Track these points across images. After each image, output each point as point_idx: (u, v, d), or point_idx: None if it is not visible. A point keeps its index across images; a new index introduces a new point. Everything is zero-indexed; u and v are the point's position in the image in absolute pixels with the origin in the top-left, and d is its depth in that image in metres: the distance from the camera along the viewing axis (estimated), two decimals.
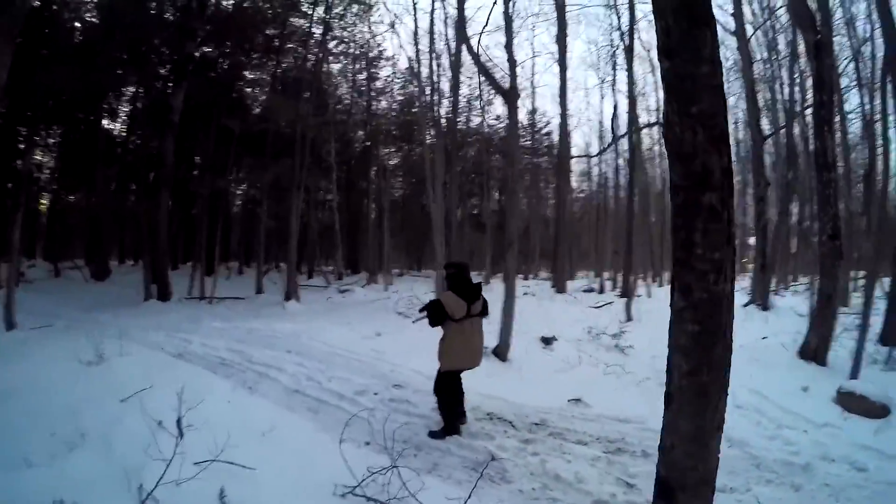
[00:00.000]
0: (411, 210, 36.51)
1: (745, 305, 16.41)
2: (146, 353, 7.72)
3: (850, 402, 6.81)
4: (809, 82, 19.36)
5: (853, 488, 4.87)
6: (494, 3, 18.07)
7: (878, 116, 17.61)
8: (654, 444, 5.49)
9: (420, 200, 35.60)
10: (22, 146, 22.24)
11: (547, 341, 10.37)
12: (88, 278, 21.60)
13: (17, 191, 11.52)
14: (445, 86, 18.72)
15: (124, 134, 26.11)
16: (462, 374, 6.18)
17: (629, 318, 14.37)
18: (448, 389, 5.96)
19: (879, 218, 15.63)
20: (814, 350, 8.94)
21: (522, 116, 34.93)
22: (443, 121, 17.54)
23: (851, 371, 7.66)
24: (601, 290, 24.30)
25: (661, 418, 6.22)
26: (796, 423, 6.44)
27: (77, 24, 19.96)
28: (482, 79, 25.17)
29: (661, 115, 23.85)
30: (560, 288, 21.78)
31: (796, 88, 20.12)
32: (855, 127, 21.78)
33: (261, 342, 10.00)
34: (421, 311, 6.36)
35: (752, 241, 45.38)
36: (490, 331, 10.43)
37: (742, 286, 28.23)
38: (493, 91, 33.75)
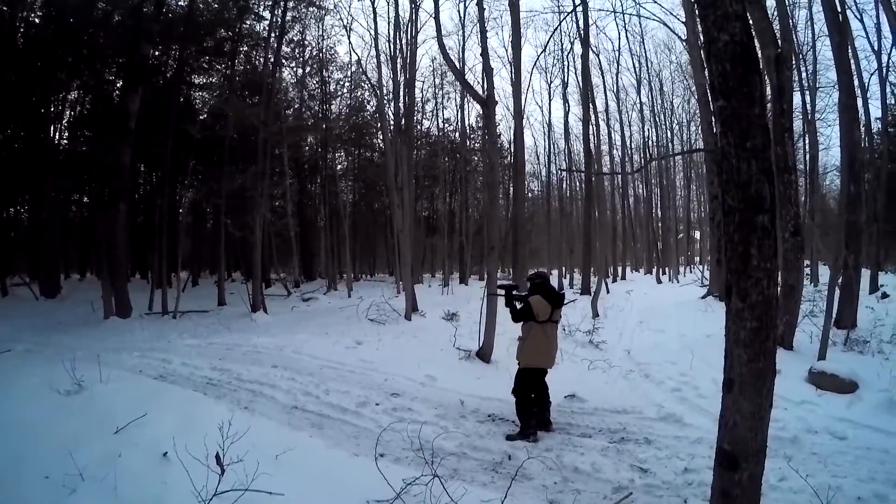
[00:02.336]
0: (361, 215, 36.37)
1: (703, 297, 16.92)
2: (127, 378, 7.33)
3: (822, 381, 7.30)
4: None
5: (837, 455, 5.26)
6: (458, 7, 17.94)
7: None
8: (654, 432, 5.90)
9: (371, 206, 35.62)
10: None
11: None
12: (38, 296, 20.66)
13: None
14: (400, 90, 18.53)
15: (66, 142, 25.16)
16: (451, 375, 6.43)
17: (596, 315, 14.64)
18: (531, 387, 6.31)
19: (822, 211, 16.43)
20: (781, 336, 9.32)
21: (472, 120, 35.40)
22: (402, 122, 17.38)
23: (819, 353, 8.03)
24: (560, 288, 24.48)
25: (654, 406, 6.42)
26: (777, 402, 6.52)
27: (19, 25, 19.24)
28: (461, 87, 25.38)
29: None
30: (521, 288, 21.87)
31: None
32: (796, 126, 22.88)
33: (244, 359, 9.79)
34: (500, 287, 7.16)
35: (697, 234, 47.17)
36: (465, 334, 10.60)
37: (693, 279, 29.34)
38: (448, 95, 34.66)
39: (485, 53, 10.48)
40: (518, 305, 6.54)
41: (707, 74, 3.10)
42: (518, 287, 6.87)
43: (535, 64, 26.61)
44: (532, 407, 6.21)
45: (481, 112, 35.45)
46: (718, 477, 3.10)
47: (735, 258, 2.88)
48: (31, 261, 23.62)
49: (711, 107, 3.45)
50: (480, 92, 10.34)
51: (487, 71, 10.11)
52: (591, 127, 22.54)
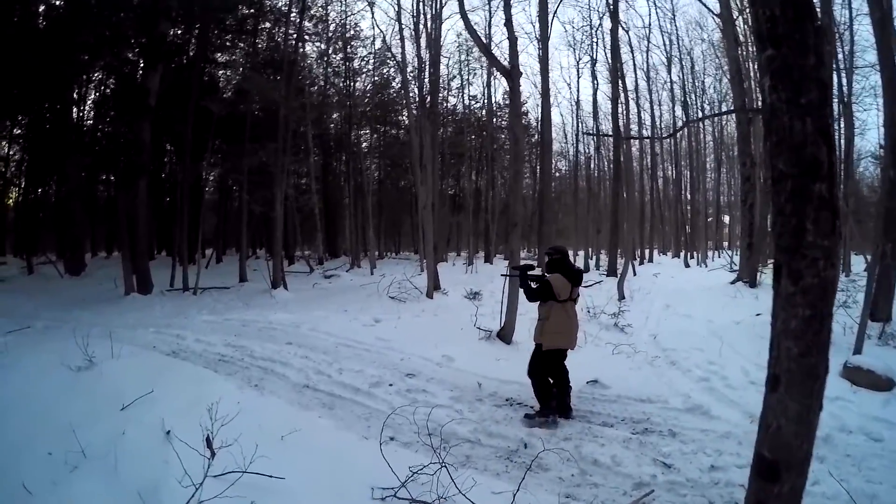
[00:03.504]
0: (388, 193, 36.29)
1: (733, 283, 16.43)
2: (139, 354, 7.24)
3: (858, 377, 6.82)
4: None
5: (873, 458, 4.86)
6: None
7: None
8: (679, 424, 5.52)
9: (397, 183, 35.49)
10: None
11: None
12: (63, 273, 20.93)
13: None
14: (425, 66, 18.15)
15: (90, 122, 25.35)
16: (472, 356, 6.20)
17: (622, 297, 14.25)
18: (549, 369, 6.01)
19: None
20: None
21: (499, 96, 34.91)
22: (427, 98, 17.01)
23: (855, 346, 7.57)
24: (586, 269, 24.19)
25: (680, 396, 6.07)
26: None
27: (41, 8, 19.21)
28: (484, 58, 24.93)
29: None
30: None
31: None
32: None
33: (259, 335, 9.66)
34: (514, 269, 6.86)
35: (726, 218, 46.23)
36: (486, 313, 10.30)
37: (721, 263, 28.71)
38: (474, 71, 34.21)
39: (509, 23, 10.04)
40: (534, 285, 6.21)
41: (754, 22, 2.67)
42: (534, 267, 6.47)
43: (564, 40, 25.92)
44: (551, 388, 5.94)
45: (506, 84, 35.13)
46: (754, 487, 2.67)
47: (786, 233, 2.46)
48: (59, 239, 23.76)
49: (755, 67, 2.99)
50: (505, 63, 9.87)
51: (512, 41, 9.63)
52: (619, 105, 22.00)
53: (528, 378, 6.05)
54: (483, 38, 21.71)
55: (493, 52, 10.73)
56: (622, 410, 6.04)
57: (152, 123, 16.87)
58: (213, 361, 7.72)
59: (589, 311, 10.92)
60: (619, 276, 17.17)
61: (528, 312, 9.96)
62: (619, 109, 22.15)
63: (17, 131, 25.28)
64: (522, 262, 6.68)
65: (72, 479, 3.80)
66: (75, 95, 22.96)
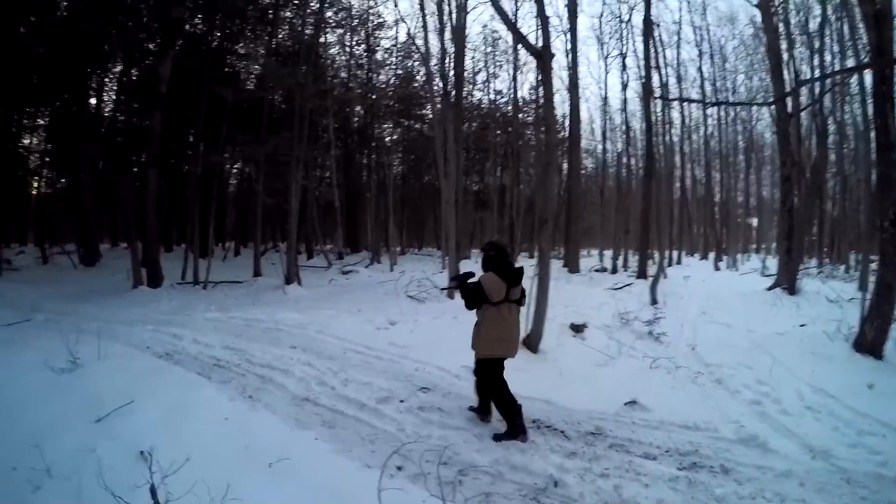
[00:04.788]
0: (410, 188, 35.96)
1: (770, 289, 15.46)
2: (128, 356, 6.69)
3: None
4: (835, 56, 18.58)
5: None
6: None
7: None
8: (732, 458, 4.83)
9: (420, 178, 35.11)
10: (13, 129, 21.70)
11: (577, 329, 9.34)
12: (77, 264, 20.84)
13: None
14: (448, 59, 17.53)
15: (108, 112, 25.29)
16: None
17: (654, 302, 13.33)
18: (496, 379, 5.37)
19: None
20: (871, 342, 8.08)
21: (525, 91, 34.20)
22: (451, 91, 16.31)
23: None
24: (613, 270, 23.43)
25: (731, 423, 5.21)
26: (873, 427, 5.49)
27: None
28: (513, 39, 24.38)
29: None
30: (573, 268, 20.83)
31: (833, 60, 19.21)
32: None
33: (262, 337, 8.95)
34: (453, 280, 6.09)
35: (754, 222, 44.93)
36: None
37: (752, 267, 27.64)
38: (500, 64, 33.49)
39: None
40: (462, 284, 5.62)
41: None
42: (474, 274, 5.70)
43: (592, 34, 25.19)
44: (514, 402, 5.24)
45: (532, 80, 34.43)
46: None
47: None
48: (76, 230, 23.61)
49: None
50: (535, 45, 9.03)
51: (543, 18, 8.67)
52: (651, 101, 21.14)
53: (553, 395, 5.58)
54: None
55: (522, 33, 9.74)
56: (666, 439, 5.18)
57: (168, 112, 16.55)
58: (208, 366, 7.00)
59: (622, 319, 10.07)
60: (648, 278, 16.49)
61: (556, 318, 9.21)
62: (651, 105, 21.31)
63: (38, 122, 25.50)
64: (463, 272, 5.88)
65: (31, 501, 3.57)
66: (93, 85, 22.87)
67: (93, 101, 23.19)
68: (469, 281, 5.60)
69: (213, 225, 17.84)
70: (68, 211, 25.66)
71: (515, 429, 5.10)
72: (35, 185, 29.30)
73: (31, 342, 7.25)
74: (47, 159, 27.62)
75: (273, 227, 31.61)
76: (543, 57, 8.32)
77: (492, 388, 5.36)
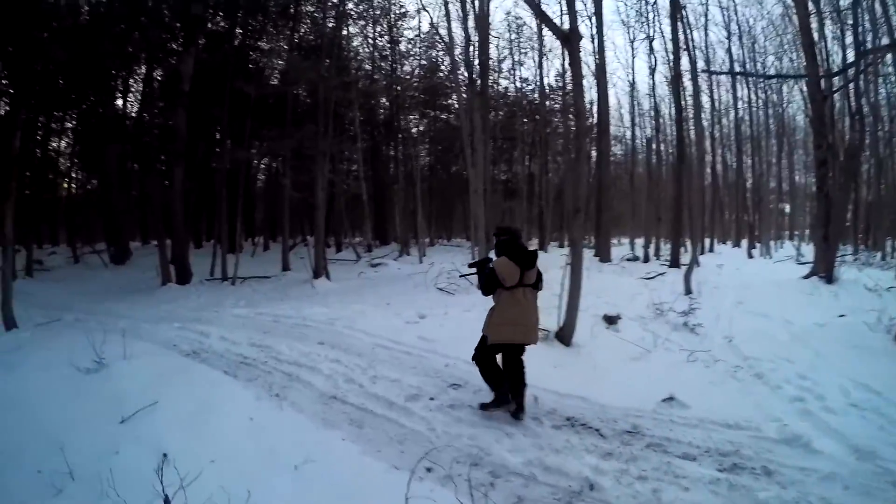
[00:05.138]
0: (438, 178, 35.77)
1: (806, 277, 14.93)
2: (153, 355, 6.60)
3: None
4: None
5: None
6: None
7: None
8: (774, 459, 4.57)
9: (448, 169, 34.93)
10: (39, 132, 22.08)
11: (611, 320, 9.07)
12: (108, 262, 21.11)
13: (7, 176, 10.62)
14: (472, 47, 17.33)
15: (134, 113, 25.79)
16: (527, 360, 5.48)
17: (688, 291, 12.93)
18: (490, 359, 5.45)
19: None
20: None
21: (552, 78, 33.80)
22: (477, 80, 16.06)
23: None
24: (645, 259, 23.00)
25: (773, 422, 4.93)
26: None
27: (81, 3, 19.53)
28: (538, 22, 24.18)
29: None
30: (604, 257, 20.46)
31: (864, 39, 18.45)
32: None
33: (289, 333, 8.83)
34: (470, 266, 6.05)
35: (786, 208, 43.89)
36: (542, 308, 9.18)
37: (786, 254, 26.91)
38: (525, 51, 33.12)
39: None
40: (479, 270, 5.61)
41: None
42: (491, 260, 5.57)
43: (617, 18, 24.74)
44: (500, 369, 5.39)
45: (558, 66, 34.05)
46: None
47: None
48: (106, 229, 23.98)
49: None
50: (562, 27, 8.70)
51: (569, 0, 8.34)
52: (680, 85, 20.63)
53: (588, 391, 5.45)
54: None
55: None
56: (706, 438, 4.93)
57: (193, 110, 16.59)
58: (234, 364, 6.91)
59: (657, 309, 9.76)
60: (682, 267, 16.11)
61: (590, 308, 8.93)
62: (680, 89, 20.80)
63: (66, 125, 25.94)
64: (481, 257, 5.73)
65: None
66: (119, 86, 23.16)
67: (118, 101, 23.62)
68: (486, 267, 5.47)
69: (240, 220, 17.89)
70: (98, 211, 26.10)
71: (503, 396, 5.20)
72: (65, 186, 29.86)
73: (57, 342, 7.20)
74: (76, 161, 28.13)
75: (301, 222, 31.67)
76: (571, 39, 8.02)
77: (483, 360, 5.39)
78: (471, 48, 16.49)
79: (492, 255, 5.68)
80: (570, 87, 31.45)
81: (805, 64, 17.29)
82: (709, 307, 10.67)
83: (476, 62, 16.82)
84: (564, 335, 7.83)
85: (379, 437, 4.78)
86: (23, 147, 18.84)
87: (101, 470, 3.62)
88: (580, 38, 8.43)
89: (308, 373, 6.49)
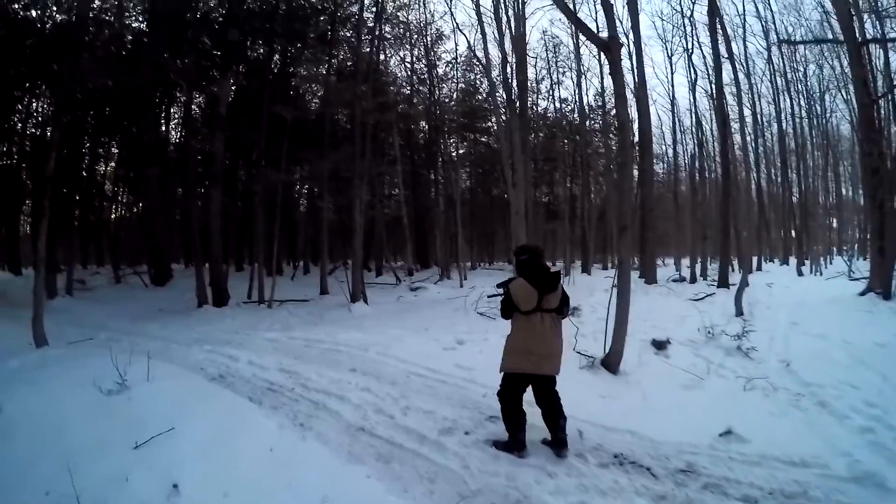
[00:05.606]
0: (479, 202, 35.73)
1: (862, 294, 14.10)
2: (178, 378, 6.31)
3: None
4: None
5: None
6: None
7: None
8: (845, 500, 4.04)
9: (488, 191, 34.96)
10: (86, 157, 22.79)
11: (660, 345, 8.56)
12: (148, 284, 21.41)
13: (40, 197, 10.81)
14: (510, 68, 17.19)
15: (176, 138, 26.48)
16: (558, 389, 5.00)
17: (740, 313, 12.29)
18: (511, 398, 4.93)
19: None
20: None
21: (591, 98, 33.55)
22: (515, 102, 15.81)
23: None
24: (692, 280, 22.27)
25: (842, 457, 4.38)
26: None
27: (125, 33, 20.34)
28: (574, 41, 24.17)
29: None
30: (649, 278, 19.82)
31: None
32: None
33: (320, 358, 8.49)
34: (498, 286, 5.45)
35: (833, 222, 42.43)
36: (587, 333, 8.71)
37: (837, 270, 25.74)
38: (563, 70, 32.86)
39: None
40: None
41: None
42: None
43: (653, 34, 24.30)
44: (520, 417, 4.87)
45: (597, 84, 33.66)
46: None
47: None
48: (150, 251, 24.47)
49: None
50: (601, 35, 8.30)
51: (606, 7, 7.95)
52: (724, 96, 20.01)
53: (637, 424, 5.06)
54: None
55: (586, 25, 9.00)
56: (769, 478, 4.41)
57: (231, 134, 16.77)
58: (260, 390, 6.60)
59: (709, 333, 9.21)
60: (730, 287, 15.68)
61: (636, 333, 8.40)
62: (724, 101, 20.16)
63: (112, 150, 26.80)
64: (509, 277, 5.28)
65: None
66: (161, 111, 23.73)
67: (160, 126, 24.28)
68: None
69: (276, 243, 17.78)
70: (142, 233, 26.63)
71: (515, 443, 4.79)
72: (112, 210, 30.66)
73: (84, 361, 6.98)
74: (121, 186, 28.94)
75: (343, 245, 31.86)
76: (611, 48, 7.59)
77: (503, 397, 4.98)
78: (508, 68, 16.24)
79: None
80: (609, 105, 31.24)
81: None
82: (762, 329, 10.06)
83: (514, 82, 16.60)
84: (611, 362, 7.34)
85: (407, 475, 4.39)
86: (70, 171, 19.39)
87: (109, 496, 3.58)
88: (620, 45, 8.00)
89: (336, 402, 6.11)
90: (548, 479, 4.32)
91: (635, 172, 26.80)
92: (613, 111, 32.10)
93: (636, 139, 24.31)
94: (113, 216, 33.22)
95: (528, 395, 5.02)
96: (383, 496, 3.96)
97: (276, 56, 21.17)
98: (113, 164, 29.00)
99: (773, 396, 6.32)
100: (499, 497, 3.97)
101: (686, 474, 4.49)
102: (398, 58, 30.16)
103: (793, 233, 33.99)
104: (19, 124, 24.17)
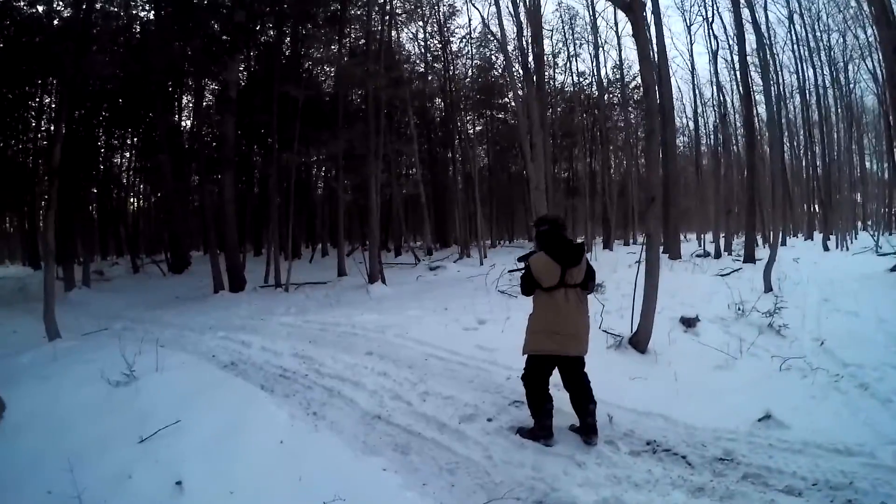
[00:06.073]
0: (497, 179, 35.65)
1: (893, 270, 13.60)
2: (189, 366, 6.14)
3: None
4: None
5: None
6: None
7: None
8: (895, 494, 3.61)
9: (507, 168, 34.79)
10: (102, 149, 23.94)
11: (689, 323, 8.17)
12: (166, 272, 21.52)
13: (49, 188, 10.70)
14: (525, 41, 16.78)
15: (188, 125, 26.99)
16: (587, 371, 4.68)
17: (769, 289, 11.82)
18: (536, 382, 4.59)
19: None
20: None
21: (609, 70, 33.06)
22: (532, 75, 15.41)
23: None
24: (717, 255, 21.80)
25: (889, 445, 4.03)
26: None
27: (132, 24, 20.73)
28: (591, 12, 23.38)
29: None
30: (674, 254, 19.37)
31: None
32: None
33: (336, 342, 8.21)
34: (520, 260, 5.03)
35: (858, 196, 41.52)
36: (612, 310, 8.35)
37: (863, 245, 25.06)
38: (580, 41, 32.25)
39: None
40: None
41: None
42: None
43: (672, 4, 23.64)
44: (546, 402, 4.51)
45: (615, 57, 33.09)
46: None
47: None
48: (169, 239, 24.66)
49: None
50: None
51: None
52: (747, 65, 19.52)
53: (670, 408, 4.75)
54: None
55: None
56: (812, 468, 4.06)
57: (245, 118, 16.69)
58: (272, 377, 6.37)
59: (739, 310, 8.80)
60: (756, 262, 15.54)
61: (663, 310, 7.99)
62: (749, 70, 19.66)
63: (127, 141, 27.11)
64: (532, 250, 4.89)
65: None
66: (174, 98, 23.82)
67: (173, 114, 24.45)
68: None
69: (290, 225, 17.62)
70: (161, 222, 26.75)
71: (541, 430, 4.45)
72: (130, 200, 31.01)
73: (96, 353, 6.78)
74: (138, 176, 29.27)
75: (361, 227, 31.82)
76: (633, 7, 7.12)
77: (528, 381, 4.63)
78: (524, 40, 15.81)
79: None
80: (628, 77, 30.61)
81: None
82: (793, 306, 9.58)
83: (530, 53, 16.18)
84: (639, 341, 6.97)
85: (426, 467, 4.13)
86: (86, 163, 19.39)
87: (111, 495, 3.47)
88: (643, 4, 7.57)
89: (351, 388, 5.85)
90: (577, 470, 4.02)
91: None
92: (632, 84, 31.70)
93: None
94: (131, 207, 33.45)
95: (556, 378, 4.73)
96: (400, 491, 3.70)
97: (287, 39, 20.89)
98: (128, 154, 29.31)
99: (812, 378, 5.89)
100: (524, 490, 3.70)
101: (724, 463, 4.17)
102: (410, 33, 30.07)
103: (817, 207, 33.19)
104: (33, 121, 24.49)
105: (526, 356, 4.69)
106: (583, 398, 4.51)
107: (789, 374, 6.11)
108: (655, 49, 17.07)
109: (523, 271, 4.70)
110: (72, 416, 4.57)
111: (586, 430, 4.45)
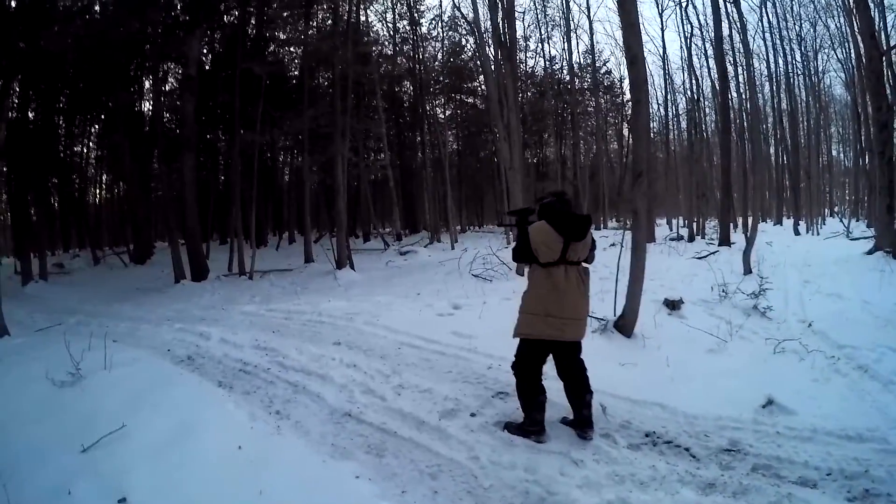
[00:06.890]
0: (466, 163, 35.86)
1: (870, 253, 13.54)
2: (141, 363, 5.63)
3: None
4: None
5: None
6: None
7: None
8: None
9: (476, 153, 34.92)
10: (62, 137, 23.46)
11: (673, 305, 7.86)
12: (128, 263, 21.33)
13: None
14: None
15: (148, 107, 25.86)
16: (583, 357, 4.23)
17: (748, 271, 11.60)
18: (529, 371, 4.09)
19: None
20: None
21: (580, 55, 33.21)
22: (503, 39, 15.04)
23: None
24: (690, 238, 21.81)
25: None
26: None
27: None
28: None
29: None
30: (648, 237, 19.21)
31: None
32: None
33: (301, 332, 7.67)
34: (510, 214, 4.63)
35: (846, 181, 42.66)
36: (593, 293, 7.91)
37: (833, 230, 25.42)
38: (552, 22, 32.15)
39: None
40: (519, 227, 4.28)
41: None
42: (534, 212, 4.28)
43: None
44: (539, 394, 4.04)
45: (587, 40, 32.86)
46: None
47: None
48: (133, 230, 24.07)
49: None
50: None
51: None
52: (723, 47, 19.39)
53: (666, 395, 4.40)
54: None
55: None
56: (824, 455, 3.75)
57: (203, 99, 16.03)
58: (231, 373, 5.82)
59: (723, 292, 8.51)
60: (731, 245, 15.81)
61: (646, 292, 7.54)
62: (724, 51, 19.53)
63: (89, 128, 26.77)
64: (526, 205, 4.42)
65: None
66: (132, 77, 22.94)
67: (133, 94, 23.30)
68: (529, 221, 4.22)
69: (255, 210, 17.08)
70: (123, 213, 26.16)
71: (532, 425, 4.00)
72: (94, 191, 30.45)
73: (45, 350, 6.32)
74: (100, 167, 28.74)
75: (329, 211, 31.46)
76: None
77: (519, 369, 4.13)
78: (498, 17, 15.39)
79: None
80: (598, 63, 30.49)
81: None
82: (775, 288, 9.36)
83: (502, 28, 15.80)
84: (625, 324, 6.58)
85: (404, 472, 3.65)
86: (45, 153, 18.63)
87: None
88: None
89: (318, 382, 5.31)
90: (574, 469, 3.61)
91: (624, 132, 26.30)
92: (602, 69, 31.63)
93: (626, 98, 23.67)
94: (94, 199, 32.66)
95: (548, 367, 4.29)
96: (376, 501, 3.26)
97: (253, 19, 20.22)
98: (91, 143, 28.52)
99: (810, 360, 5.62)
100: (517, 494, 3.30)
101: (731, 454, 3.83)
102: (378, 14, 29.63)
103: (788, 193, 33.63)
104: None
105: (518, 340, 4.20)
106: (579, 387, 4.08)
107: (785, 357, 5.83)
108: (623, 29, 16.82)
109: (518, 236, 4.19)
110: (9, 422, 4.20)
111: (581, 423, 4.02)
